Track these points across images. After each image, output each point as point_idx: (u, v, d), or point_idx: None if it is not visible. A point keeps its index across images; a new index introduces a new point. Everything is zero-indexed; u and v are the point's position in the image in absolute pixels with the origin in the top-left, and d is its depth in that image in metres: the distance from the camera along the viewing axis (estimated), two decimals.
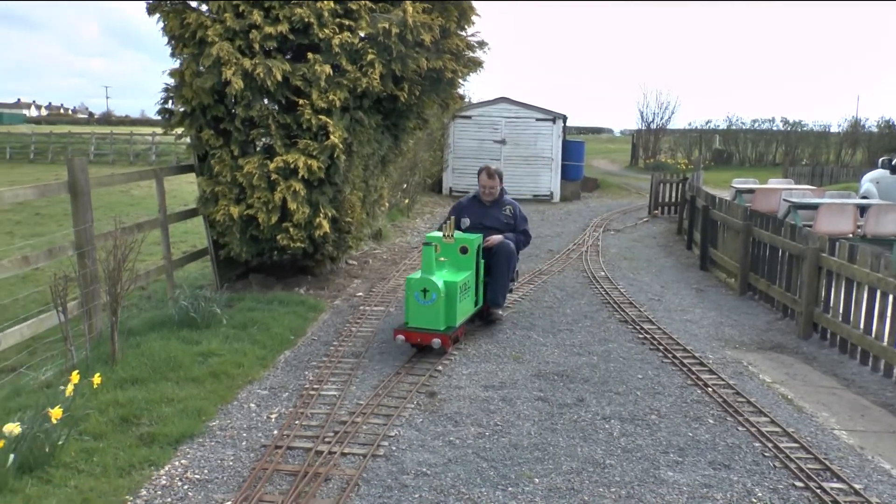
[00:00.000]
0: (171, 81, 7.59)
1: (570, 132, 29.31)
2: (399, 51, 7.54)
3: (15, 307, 7.13)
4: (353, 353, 6.00)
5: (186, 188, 16.37)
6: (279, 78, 7.20)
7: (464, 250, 6.40)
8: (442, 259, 6.25)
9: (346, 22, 7.50)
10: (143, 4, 7.55)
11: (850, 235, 10.28)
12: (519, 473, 4.04)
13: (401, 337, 5.89)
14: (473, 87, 55.93)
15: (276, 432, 4.47)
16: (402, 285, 7.77)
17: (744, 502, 3.81)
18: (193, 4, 7.58)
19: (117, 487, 3.74)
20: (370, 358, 5.92)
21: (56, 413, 3.86)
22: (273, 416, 4.75)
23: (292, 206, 7.33)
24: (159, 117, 7.98)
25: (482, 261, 6.66)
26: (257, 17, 7.22)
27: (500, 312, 7.04)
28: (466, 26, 8.50)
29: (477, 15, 8.47)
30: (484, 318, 7.01)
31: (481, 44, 8.59)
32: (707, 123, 37.54)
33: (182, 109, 7.63)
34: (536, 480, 3.97)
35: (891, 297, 5.82)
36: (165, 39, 7.56)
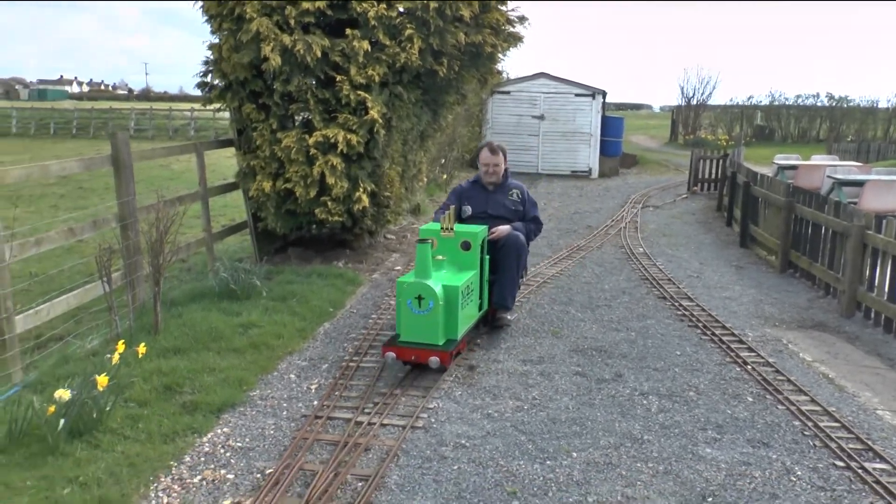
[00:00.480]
0: (211, 55, 7.65)
1: (609, 108, 28.96)
2: (437, 25, 7.50)
3: (61, 278, 7.31)
4: (391, 326, 6.02)
5: (225, 163, 16.54)
6: (318, 54, 7.20)
7: (466, 246, 5.41)
8: (440, 258, 5.34)
9: None
10: None
11: None
12: (557, 447, 4.06)
13: (391, 354, 4.92)
14: (512, 63, 55.43)
15: (316, 403, 4.54)
16: None
17: (782, 480, 3.78)
18: None
19: (162, 453, 3.83)
20: None
21: (102, 380, 3.94)
22: (313, 386, 4.81)
23: (331, 180, 7.36)
24: (199, 92, 8.05)
25: (487, 256, 5.71)
26: None
27: (509, 317, 6.10)
28: (506, 0, 8.42)
29: None
30: (489, 324, 6.05)
31: (521, 18, 8.50)
32: (749, 99, 36.86)
33: (220, 84, 7.70)
34: (574, 454, 3.98)
35: None
36: (205, 18, 7.60)
